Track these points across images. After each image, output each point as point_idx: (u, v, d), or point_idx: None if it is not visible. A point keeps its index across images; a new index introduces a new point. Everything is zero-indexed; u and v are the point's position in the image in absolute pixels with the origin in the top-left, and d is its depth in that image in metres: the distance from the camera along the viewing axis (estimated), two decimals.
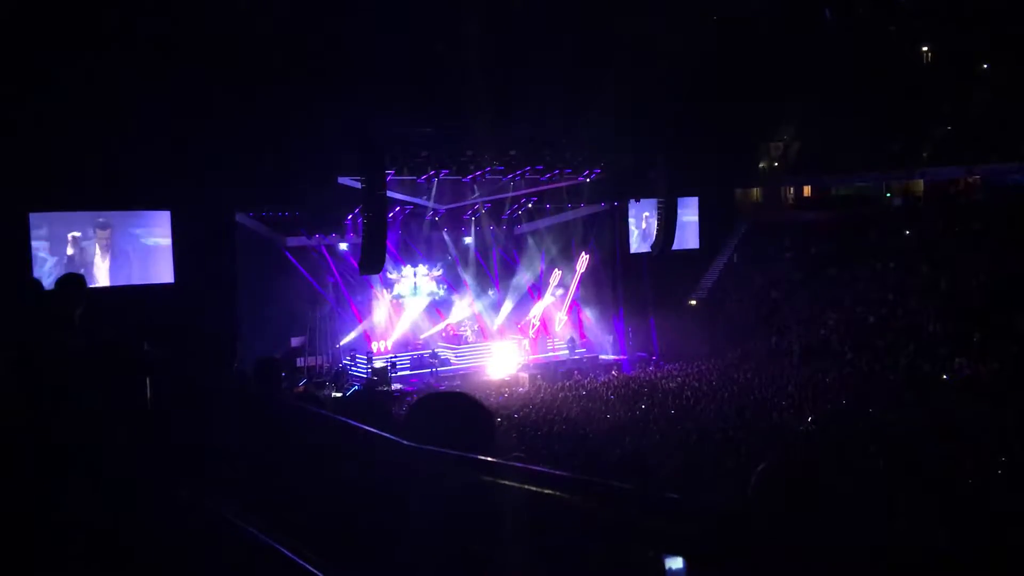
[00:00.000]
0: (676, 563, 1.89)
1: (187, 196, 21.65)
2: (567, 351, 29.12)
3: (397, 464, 1.96)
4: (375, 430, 2.14)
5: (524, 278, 30.78)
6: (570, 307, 30.83)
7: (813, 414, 18.00)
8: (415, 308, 28.75)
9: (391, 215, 25.01)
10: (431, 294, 29.27)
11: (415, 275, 28.97)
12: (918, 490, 11.67)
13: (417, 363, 26.78)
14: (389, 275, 27.90)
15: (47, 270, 20.47)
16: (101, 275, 21.88)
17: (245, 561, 1.56)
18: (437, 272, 29.47)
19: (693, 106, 27.49)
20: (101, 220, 22.16)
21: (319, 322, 27.09)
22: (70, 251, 21.63)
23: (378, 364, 25.52)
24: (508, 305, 30.50)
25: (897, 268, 27.37)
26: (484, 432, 2.32)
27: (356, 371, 26.24)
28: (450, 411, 2.48)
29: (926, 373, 21.89)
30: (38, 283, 3.52)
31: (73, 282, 3.44)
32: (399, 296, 28.68)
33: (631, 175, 28.64)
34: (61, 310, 3.02)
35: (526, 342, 29.24)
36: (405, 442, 1.98)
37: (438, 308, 29.57)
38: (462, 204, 28.37)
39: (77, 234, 21.81)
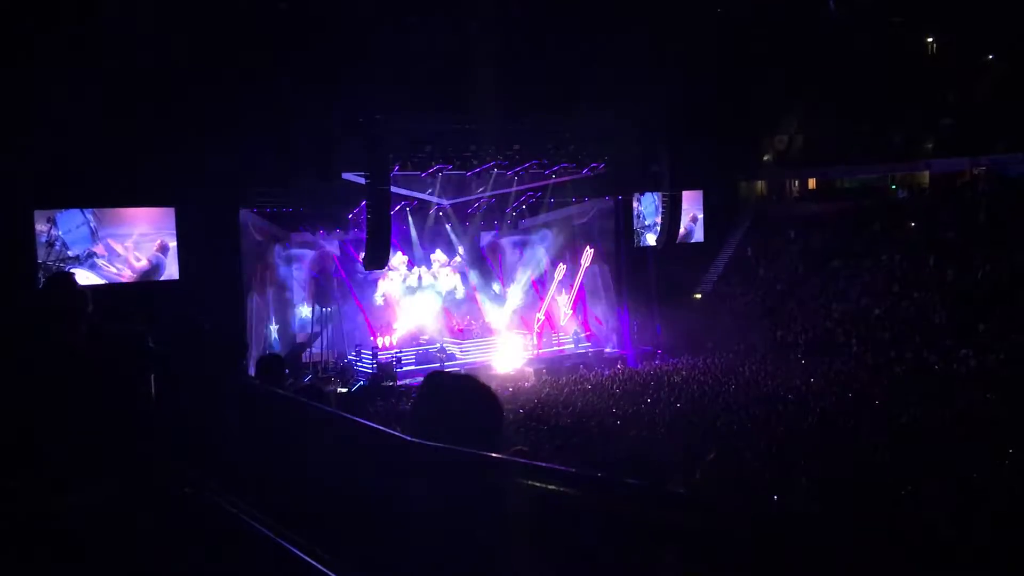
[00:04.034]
0: (684, 559, 1.88)
1: (191, 192, 21.67)
2: (572, 345, 29.09)
3: (399, 460, 1.95)
4: (378, 425, 2.14)
5: (529, 273, 30.74)
6: (575, 301, 30.80)
7: (819, 407, 17.97)
8: (423, 303, 28.71)
9: (395, 210, 24.98)
10: (448, 291, 29.29)
11: (432, 268, 29.06)
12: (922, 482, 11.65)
13: (423, 358, 26.77)
14: (391, 270, 27.89)
15: (55, 266, 20.54)
16: (112, 271, 21.94)
17: (247, 555, 1.56)
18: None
19: (696, 100, 27.40)
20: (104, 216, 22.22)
21: (324, 317, 27.12)
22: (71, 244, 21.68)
23: (383, 359, 25.53)
24: (513, 300, 30.47)
25: (902, 260, 27.28)
26: (492, 416, 2.29)
27: (361, 366, 26.24)
28: (459, 393, 2.46)
29: (932, 365, 21.84)
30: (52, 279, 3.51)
31: (64, 279, 3.45)
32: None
33: (635, 169, 28.57)
34: (58, 307, 3.03)
35: (531, 337, 29.22)
36: (407, 438, 1.98)
37: (446, 308, 29.50)
38: (466, 199, 28.33)
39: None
